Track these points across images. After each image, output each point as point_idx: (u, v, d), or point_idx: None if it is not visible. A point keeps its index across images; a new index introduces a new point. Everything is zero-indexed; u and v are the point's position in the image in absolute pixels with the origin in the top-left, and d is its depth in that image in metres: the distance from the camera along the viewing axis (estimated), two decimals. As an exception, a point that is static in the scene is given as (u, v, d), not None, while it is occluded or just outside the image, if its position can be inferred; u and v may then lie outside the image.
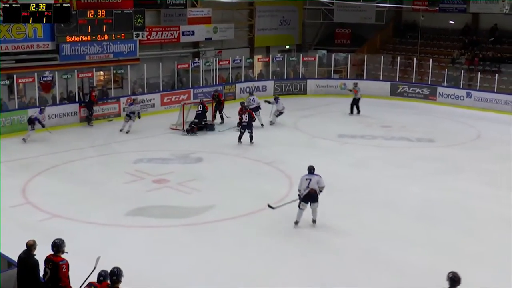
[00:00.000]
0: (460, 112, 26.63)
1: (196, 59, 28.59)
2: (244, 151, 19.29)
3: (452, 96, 28.34)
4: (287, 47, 35.52)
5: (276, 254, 11.77)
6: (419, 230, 13.11)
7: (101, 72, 25.89)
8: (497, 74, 27.91)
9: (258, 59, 31.34)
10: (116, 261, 10.76)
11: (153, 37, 27.38)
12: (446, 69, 29.49)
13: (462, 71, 29.00)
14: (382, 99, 29.15)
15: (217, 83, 28.37)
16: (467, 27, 33.19)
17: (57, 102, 23.18)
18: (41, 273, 8.61)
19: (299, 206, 13.11)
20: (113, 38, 25.00)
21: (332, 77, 31.04)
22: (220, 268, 11.14)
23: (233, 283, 10.55)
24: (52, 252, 8.53)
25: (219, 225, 13.24)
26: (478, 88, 27.83)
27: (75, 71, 23.39)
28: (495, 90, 27.23)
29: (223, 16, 31.02)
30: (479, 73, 28.51)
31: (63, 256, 8.51)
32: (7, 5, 15.91)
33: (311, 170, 13.31)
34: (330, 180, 16.25)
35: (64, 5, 17.95)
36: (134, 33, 25.61)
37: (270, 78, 30.26)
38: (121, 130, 21.67)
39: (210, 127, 22.31)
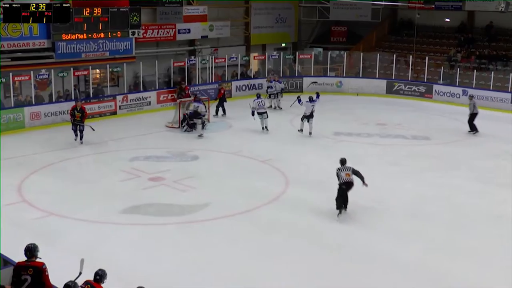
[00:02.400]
0: (455, 109, 26.62)
1: (192, 57, 28.58)
2: (240, 149, 19.28)
3: (448, 94, 28.38)
4: (283, 45, 35.52)
5: (271, 253, 11.75)
6: (412, 226, 13.13)
7: (97, 70, 25.87)
8: (492, 72, 27.95)
9: (254, 57, 31.37)
10: (110, 259, 10.86)
11: (149, 35, 27.38)
12: (442, 67, 29.51)
13: (458, 69, 29.04)
14: (378, 97, 29.24)
15: (213, 81, 28.40)
16: (463, 25, 33.23)
17: (54, 100, 23.13)
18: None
19: (302, 120, 20.93)
20: (109, 36, 24.98)
21: (328, 74, 31.06)
22: (214, 266, 11.14)
23: (227, 282, 10.55)
24: (25, 258, 8.26)
25: (214, 223, 13.22)
26: (474, 86, 27.85)
27: (71, 69, 23.38)
28: (491, 88, 27.28)
29: (219, 14, 31.03)
30: (475, 70, 28.55)
31: (38, 260, 8.29)
32: (7, 5, 15.88)
33: (312, 98, 20.89)
34: (325, 178, 16.38)
35: (64, 5, 17.96)
36: (130, 31, 25.59)
37: (266, 76, 30.25)
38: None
39: (192, 126, 21.73)
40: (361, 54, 31.11)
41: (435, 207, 14.34)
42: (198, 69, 27.98)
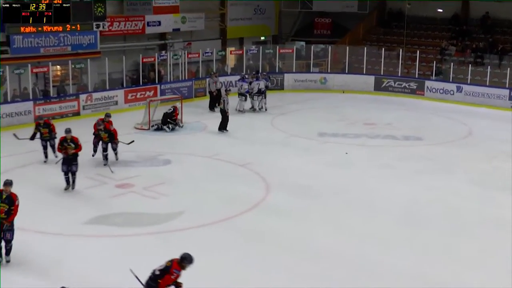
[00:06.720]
0: (449, 107, 26.95)
1: (163, 52, 28.54)
2: (216, 152, 19.28)
3: (441, 91, 28.65)
4: (262, 38, 35.65)
5: (251, 262, 11.80)
6: (405, 232, 13.28)
7: (58, 66, 25.66)
8: (489, 67, 28.23)
9: (231, 51, 31.39)
10: (74, 274, 10.77)
11: (115, 28, 27.26)
12: (434, 62, 29.80)
13: (452, 64, 29.33)
14: (366, 94, 29.42)
15: (186, 77, 28.36)
16: (457, 16, 33.56)
17: (9, 100, 22.88)
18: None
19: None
20: (71, 29, 24.73)
21: (311, 70, 31.18)
22: (192, 278, 11.10)
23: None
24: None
25: (189, 233, 13.18)
26: (469, 82, 28.14)
27: (29, 65, 23.10)
28: (487, 84, 27.58)
29: (192, 5, 30.97)
30: (470, 65, 28.81)
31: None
32: (7, 5, 15.93)
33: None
34: (310, 182, 16.46)
35: (65, 4, 17.91)
36: (94, 23, 25.44)
37: (244, 72, 30.29)
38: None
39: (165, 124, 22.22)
40: (347, 48, 31.29)
41: (430, 212, 14.52)
42: (170, 65, 27.92)
